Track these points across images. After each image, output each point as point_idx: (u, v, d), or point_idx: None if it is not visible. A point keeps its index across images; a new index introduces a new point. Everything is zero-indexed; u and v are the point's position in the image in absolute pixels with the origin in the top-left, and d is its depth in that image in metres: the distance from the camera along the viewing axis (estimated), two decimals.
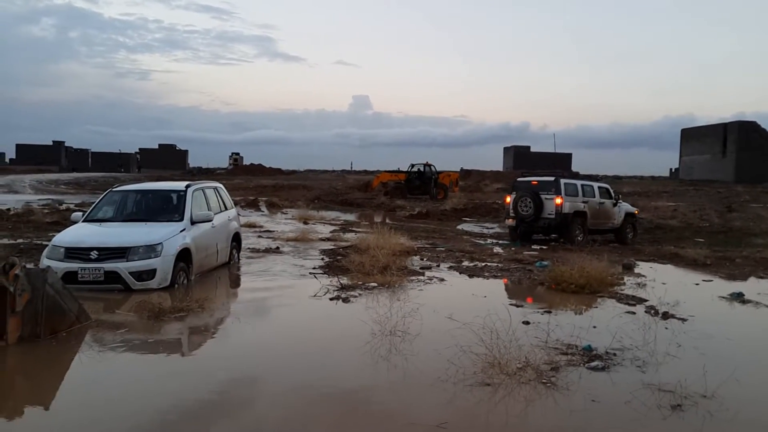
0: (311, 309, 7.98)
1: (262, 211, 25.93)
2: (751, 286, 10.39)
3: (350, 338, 6.38)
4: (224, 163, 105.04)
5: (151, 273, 8.18)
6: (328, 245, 14.26)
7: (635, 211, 18.13)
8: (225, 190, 11.63)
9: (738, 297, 9.14)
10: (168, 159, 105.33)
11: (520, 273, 10.94)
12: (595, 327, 6.94)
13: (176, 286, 8.50)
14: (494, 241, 16.94)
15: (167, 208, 9.63)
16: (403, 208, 27.55)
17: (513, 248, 14.91)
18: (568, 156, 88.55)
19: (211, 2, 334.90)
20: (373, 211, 28.03)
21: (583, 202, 16.09)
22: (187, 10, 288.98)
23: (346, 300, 8.29)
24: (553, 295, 9.14)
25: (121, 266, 8.04)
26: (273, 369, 5.62)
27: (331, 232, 17.51)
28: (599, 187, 17.08)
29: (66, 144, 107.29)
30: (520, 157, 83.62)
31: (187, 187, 9.85)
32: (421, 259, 12.28)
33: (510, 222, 16.67)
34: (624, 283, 10.03)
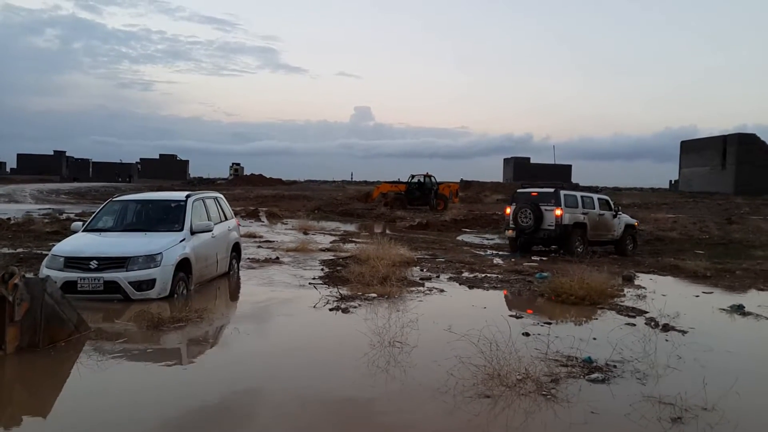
0: (311, 319, 7.96)
1: (262, 222, 25.94)
2: (752, 299, 10.38)
3: (349, 349, 6.37)
4: (225, 173, 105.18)
5: (150, 283, 8.17)
6: (328, 256, 14.26)
7: (635, 222, 18.14)
8: (225, 200, 11.65)
9: (738, 309, 9.12)
10: (169, 169, 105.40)
11: (520, 284, 10.93)
12: (595, 339, 6.93)
13: (175, 296, 8.48)
14: (494, 252, 16.94)
15: (167, 218, 9.62)
16: (403, 218, 27.57)
17: (513, 259, 14.90)
18: (568, 167, 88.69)
19: (214, 14, 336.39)
20: (373, 222, 28.03)
21: (583, 213, 16.11)
22: (190, 22, 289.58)
23: (345, 311, 8.28)
24: (553, 307, 9.13)
25: (121, 276, 8.03)
26: (272, 380, 5.60)
27: (331, 242, 17.51)
28: (599, 199, 17.11)
29: (67, 154, 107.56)
30: (520, 169, 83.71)
31: (187, 197, 9.86)
32: (421, 270, 12.28)
33: (510, 233, 16.67)
34: (624, 295, 10.02)
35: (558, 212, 15.54)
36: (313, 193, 51.34)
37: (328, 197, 41.54)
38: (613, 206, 17.27)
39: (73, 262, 8.11)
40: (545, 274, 11.70)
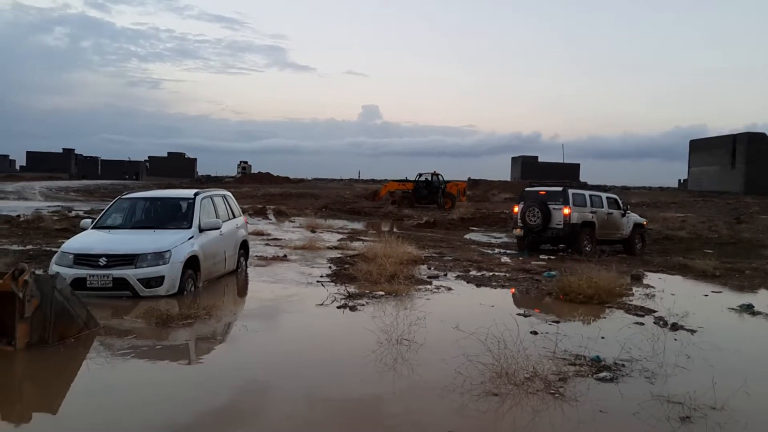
0: (318, 317, 7.98)
1: (270, 220, 25.99)
2: (761, 298, 10.32)
3: (357, 347, 6.37)
4: (233, 171, 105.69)
5: (159, 280, 8.20)
6: (336, 254, 14.27)
7: (644, 221, 18.04)
8: (233, 198, 11.68)
9: (748, 309, 9.06)
10: (177, 167, 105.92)
11: (527, 283, 10.91)
12: (603, 338, 6.90)
13: (184, 293, 8.51)
14: (502, 250, 16.89)
15: (176, 215, 9.66)
16: (410, 217, 27.55)
17: (521, 258, 14.86)
18: (576, 166, 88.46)
19: (222, 12, 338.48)
20: (381, 220, 28.04)
21: (592, 212, 16.04)
22: (198, 20, 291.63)
23: (353, 308, 8.29)
24: (561, 306, 9.10)
25: (130, 273, 8.07)
26: (280, 377, 5.61)
27: (338, 240, 17.52)
28: (607, 198, 17.04)
29: (76, 152, 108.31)
30: (528, 167, 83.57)
31: (196, 194, 9.90)
32: (429, 268, 12.27)
33: (518, 232, 16.63)
34: (632, 294, 9.97)
35: (566, 211, 15.49)
36: (320, 191, 51.38)
37: (335, 195, 41.53)
38: (621, 205, 17.19)
39: (82, 259, 8.16)
40: (553, 272, 11.66)
